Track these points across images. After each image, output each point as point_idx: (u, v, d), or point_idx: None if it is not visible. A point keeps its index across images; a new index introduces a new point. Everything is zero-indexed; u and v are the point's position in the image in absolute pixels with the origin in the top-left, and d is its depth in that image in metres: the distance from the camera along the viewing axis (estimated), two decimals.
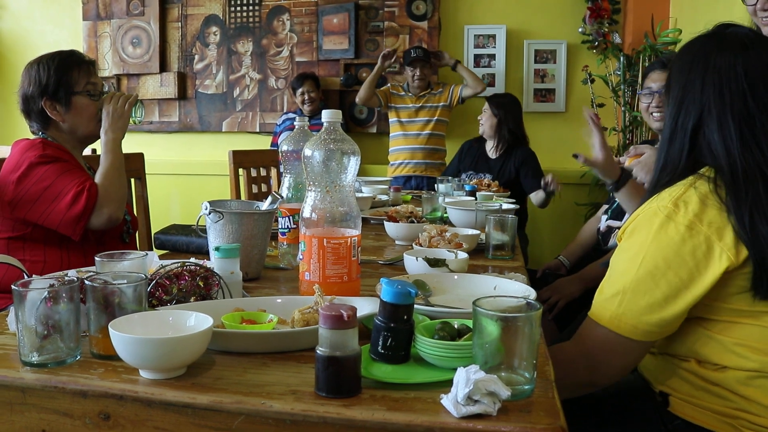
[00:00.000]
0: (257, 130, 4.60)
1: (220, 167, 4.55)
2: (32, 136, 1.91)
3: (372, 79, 4.04)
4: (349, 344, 0.81)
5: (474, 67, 4.40)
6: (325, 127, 1.18)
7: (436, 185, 3.03)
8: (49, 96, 1.84)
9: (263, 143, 4.46)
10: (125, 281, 0.97)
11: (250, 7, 4.55)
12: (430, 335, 0.93)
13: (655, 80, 2.31)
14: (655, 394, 1.23)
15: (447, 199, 2.45)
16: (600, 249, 2.54)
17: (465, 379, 0.76)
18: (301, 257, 1.19)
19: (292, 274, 1.53)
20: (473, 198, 2.74)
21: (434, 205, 2.42)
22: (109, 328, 0.86)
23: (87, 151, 3.53)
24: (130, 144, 4.62)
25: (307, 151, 1.17)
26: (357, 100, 4.12)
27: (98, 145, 1.97)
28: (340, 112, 1.19)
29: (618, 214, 2.49)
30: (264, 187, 3.46)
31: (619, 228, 2.49)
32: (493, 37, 4.36)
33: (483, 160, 3.65)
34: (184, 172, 4.65)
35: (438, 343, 0.89)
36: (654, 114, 2.33)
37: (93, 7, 4.72)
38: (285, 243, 1.56)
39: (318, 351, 0.81)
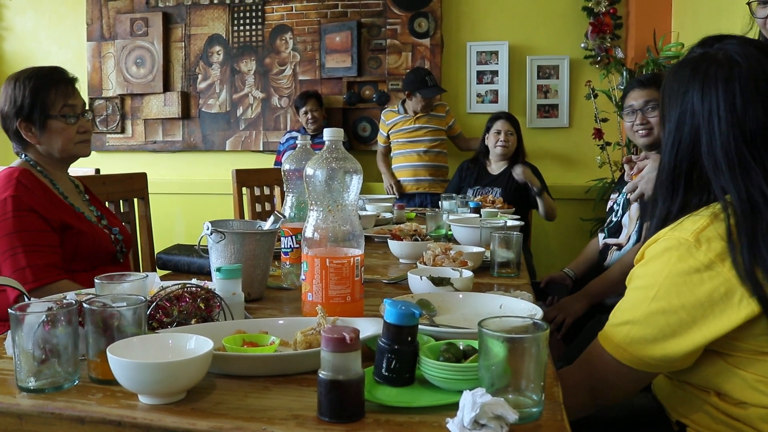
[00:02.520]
0: (261, 148, 4.61)
1: (223, 186, 4.55)
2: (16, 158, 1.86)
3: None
4: (352, 367, 0.79)
5: (477, 83, 4.41)
6: (326, 145, 1.17)
7: (440, 202, 3.01)
8: (23, 118, 1.77)
9: (267, 162, 4.47)
10: (124, 304, 0.96)
11: (253, 27, 4.57)
12: (435, 357, 0.91)
13: (636, 98, 2.34)
14: (672, 422, 1.18)
15: (451, 217, 2.43)
16: (602, 267, 2.51)
17: (471, 402, 0.74)
18: (303, 278, 1.18)
19: (296, 294, 1.51)
20: (478, 215, 2.73)
21: (438, 223, 2.40)
22: (108, 353, 0.84)
23: (90, 171, 3.54)
24: (134, 164, 4.66)
25: (309, 171, 1.16)
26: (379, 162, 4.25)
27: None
28: (341, 130, 1.18)
29: (614, 231, 2.47)
30: (268, 206, 3.45)
31: (615, 245, 2.47)
32: (496, 53, 4.37)
33: (486, 176, 3.63)
34: (187, 192, 4.65)
35: (443, 365, 0.87)
36: (639, 131, 2.34)
37: (97, 27, 4.76)
38: (288, 263, 1.55)
39: (320, 375, 0.79)
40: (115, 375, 0.84)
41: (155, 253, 2.75)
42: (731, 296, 0.99)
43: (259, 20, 4.56)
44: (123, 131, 4.76)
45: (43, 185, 1.79)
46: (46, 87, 1.79)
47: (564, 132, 4.36)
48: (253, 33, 4.58)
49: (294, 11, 4.52)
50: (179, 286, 1.10)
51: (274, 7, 4.54)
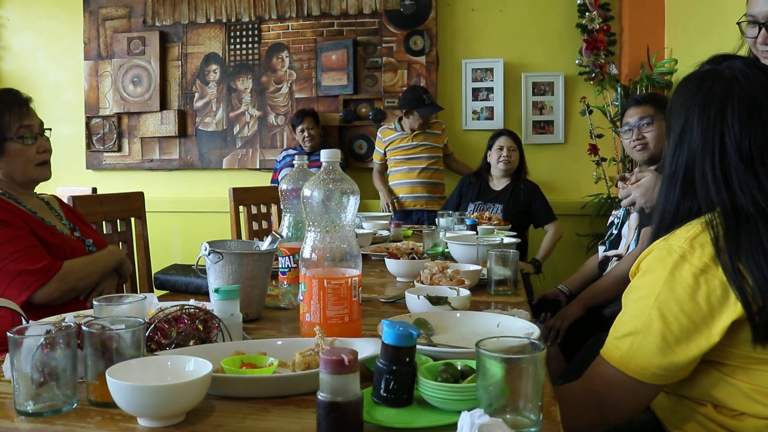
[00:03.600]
0: (257, 166, 4.62)
1: (220, 204, 4.55)
2: None
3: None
4: (351, 389, 0.79)
5: (473, 100, 4.44)
6: (323, 166, 1.18)
7: (437, 219, 3.02)
8: None
9: (264, 180, 4.48)
10: (123, 326, 0.96)
11: (250, 45, 4.60)
12: (433, 377, 0.91)
13: (632, 115, 2.40)
14: None
15: (448, 234, 2.44)
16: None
17: (469, 423, 0.74)
18: (301, 298, 1.18)
19: (293, 314, 1.52)
20: (474, 232, 2.74)
21: (435, 240, 2.41)
22: (106, 375, 0.85)
23: (87, 189, 3.55)
24: (131, 182, 4.67)
25: (306, 192, 1.17)
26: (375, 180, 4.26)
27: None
28: (338, 151, 1.19)
29: (614, 244, 2.50)
30: (265, 224, 3.45)
31: (615, 256, 2.48)
32: (491, 70, 4.40)
33: (489, 192, 3.65)
34: (184, 210, 4.66)
35: (441, 386, 0.88)
36: (636, 147, 2.38)
37: (94, 47, 4.78)
38: (285, 282, 1.55)
39: (319, 397, 0.80)
40: (114, 398, 0.84)
41: (151, 272, 2.76)
42: (727, 296, 1.01)
43: (256, 39, 4.59)
44: (120, 150, 4.77)
45: (8, 204, 1.79)
46: None
47: (559, 148, 4.38)
48: (250, 51, 4.61)
49: (290, 30, 4.55)
50: (177, 307, 1.11)
51: (270, 25, 4.57)
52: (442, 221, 2.93)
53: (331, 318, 1.14)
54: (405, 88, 4.24)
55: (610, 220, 2.66)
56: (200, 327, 1.09)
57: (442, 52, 4.46)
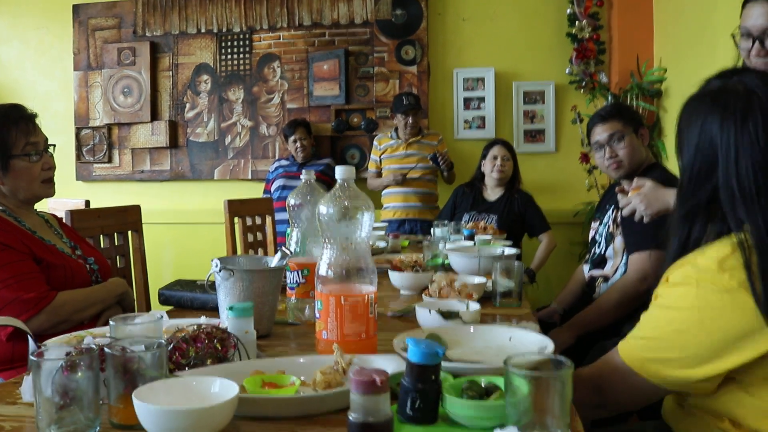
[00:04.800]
0: (249, 177, 4.61)
1: (212, 215, 4.54)
2: None
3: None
4: (382, 409, 0.80)
5: (464, 110, 4.46)
6: (338, 184, 1.19)
7: (432, 229, 3.02)
8: None
9: (256, 191, 4.46)
10: (142, 347, 0.96)
11: (241, 55, 4.60)
12: (457, 394, 0.92)
13: (599, 133, 2.35)
14: None
15: (448, 245, 2.45)
16: (590, 299, 2.48)
17: None
18: (318, 316, 1.18)
19: (302, 330, 1.51)
20: (472, 242, 2.75)
21: (434, 252, 2.42)
22: (134, 398, 0.84)
23: (79, 202, 3.52)
24: (121, 193, 4.63)
25: (322, 209, 1.17)
26: (369, 188, 4.23)
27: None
28: (353, 168, 1.20)
29: (599, 263, 2.45)
30: (260, 236, 3.44)
31: (601, 277, 2.46)
32: (482, 79, 4.43)
33: (483, 202, 3.66)
34: (175, 221, 4.63)
35: (469, 403, 0.88)
36: (611, 165, 2.34)
37: (84, 57, 4.75)
38: (294, 297, 1.55)
39: (350, 417, 0.80)
40: (142, 421, 0.84)
41: (148, 285, 2.74)
42: (754, 329, 1.00)
43: (247, 49, 4.59)
44: (110, 161, 4.74)
45: (8, 222, 1.76)
46: (5, 126, 1.75)
47: (551, 156, 4.42)
48: (241, 62, 4.60)
49: (281, 40, 4.56)
50: (195, 326, 1.10)
51: (262, 35, 4.57)
52: (437, 231, 2.93)
53: (348, 335, 1.14)
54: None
55: (591, 235, 2.60)
56: (218, 346, 1.09)
57: (434, 62, 4.48)
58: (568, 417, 0.82)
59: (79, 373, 0.90)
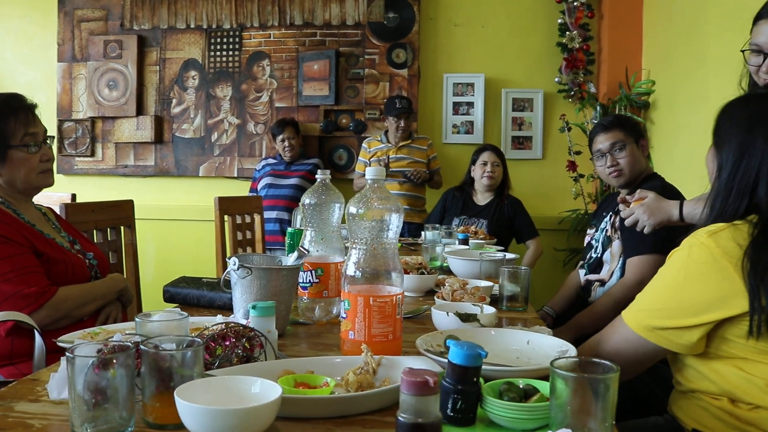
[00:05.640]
0: (235, 175, 4.57)
1: (196, 212, 4.49)
2: None
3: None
4: (432, 411, 0.80)
5: (453, 114, 4.49)
6: (368, 184, 1.18)
7: (423, 232, 3.03)
8: None
9: (241, 189, 4.43)
10: (174, 345, 0.94)
11: (230, 52, 4.56)
12: (496, 396, 0.92)
13: (602, 142, 2.42)
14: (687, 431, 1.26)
15: (448, 249, 2.46)
16: (585, 303, 2.52)
17: None
18: (344, 316, 1.17)
19: (314, 329, 1.51)
20: (467, 246, 2.76)
21: (432, 255, 2.43)
22: (176, 397, 0.83)
23: (65, 196, 3.45)
24: (104, 188, 4.56)
25: (352, 209, 1.16)
26: (355, 188, 4.19)
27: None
28: (383, 170, 1.20)
29: (595, 267, 2.48)
30: (249, 235, 3.41)
31: (597, 281, 2.50)
32: (472, 85, 4.46)
33: (473, 207, 3.68)
34: (158, 217, 4.57)
35: (510, 405, 0.89)
36: (612, 174, 2.39)
37: (68, 48, 4.67)
38: (306, 297, 1.54)
39: (400, 418, 0.79)
40: (185, 420, 0.82)
41: (139, 282, 2.70)
42: (732, 293, 1.12)
43: (236, 46, 4.55)
44: (93, 154, 4.66)
45: (7, 214, 1.72)
46: (4, 116, 1.71)
47: (537, 164, 4.46)
48: (230, 59, 4.56)
49: (272, 38, 4.53)
50: (222, 325, 1.09)
51: (252, 33, 4.54)
52: (428, 234, 2.94)
53: (375, 336, 1.14)
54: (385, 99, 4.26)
55: (586, 241, 2.63)
56: (247, 345, 1.08)
57: (424, 66, 4.49)
58: (612, 419, 0.83)
59: (115, 371, 0.88)
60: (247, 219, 3.43)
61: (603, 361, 0.87)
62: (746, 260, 1.11)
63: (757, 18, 1.64)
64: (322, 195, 1.55)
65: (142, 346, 0.91)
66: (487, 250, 2.68)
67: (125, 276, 2.54)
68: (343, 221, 1.36)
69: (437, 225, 3.08)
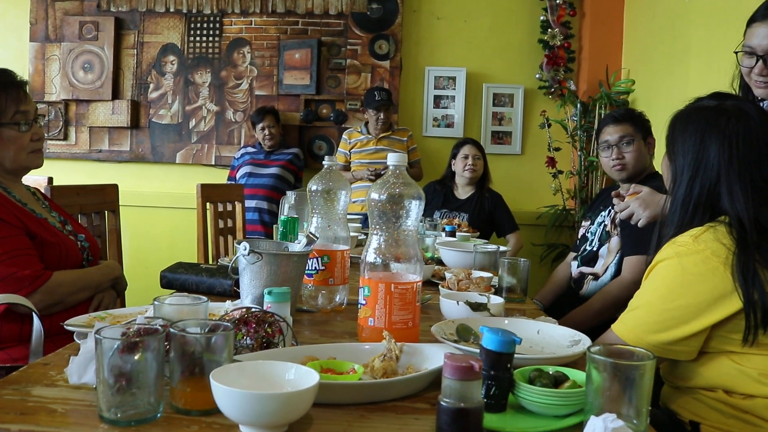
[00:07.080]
0: (213, 162, 4.50)
1: (173, 200, 4.41)
2: None
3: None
4: (475, 395, 0.80)
5: (434, 107, 4.49)
6: (390, 170, 1.17)
7: None
8: None
9: (219, 177, 4.36)
10: (198, 329, 0.92)
11: (210, 38, 4.48)
12: (526, 383, 0.93)
13: (611, 133, 2.43)
14: (685, 424, 1.29)
15: (439, 240, 2.46)
16: (577, 295, 2.55)
17: (602, 427, 0.76)
18: (363, 302, 1.17)
19: (319, 317, 1.50)
20: (454, 238, 2.77)
21: (423, 246, 2.43)
22: (212, 381, 0.81)
23: (41, 179, 3.35)
24: (77, 173, 4.44)
25: (374, 195, 1.15)
26: None
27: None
28: (405, 156, 1.19)
29: (589, 260, 2.51)
30: (230, 223, 3.37)
31: (591, 274, 2.53)
32: (453, 79, 4.47)
33: (453, 200, 3.70)
34: (133, 204, 4.45)
35: (546, 391, 0.89)
36: (615, 167, 2.41)
37: (42, 28, 4.52)
38: (311, 285, 1.52)
39: (443, 403, 0.79)
40: (220, 405, 0.81)
41: (122, 267, 2.63)
42: (727, 291, 1.15)
43: (217, 32, 4.47)
44: (66, 138, 4.53)
45: (1, 196, 1.67)
46: None
47: (516, 159, 4.50)
48: (210, 44, 4.48)
49: (253, 25, 4.46)
50: (244, 310, 1.07)
51: (233, 19, 4.47)
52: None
53: (395, 323, 1.14)
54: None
55: (581, 233, 2.66)
56: (269, 330, 1.06)
57: (406, 58, 4.49)
58: (648, 405, 0.85)
59: (142, 355, 0.86)
60: (228, 207, 3.38)
61: (638, 349, 0.88)
62: (734, 258, 1.16)
63: (751, 21, 1.67)
64: (330, 182, 1.54)
65: (171, 329, 0.89)
66: (477, 242, 2.69)
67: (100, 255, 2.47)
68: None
69: (422, 217, 3.09)
